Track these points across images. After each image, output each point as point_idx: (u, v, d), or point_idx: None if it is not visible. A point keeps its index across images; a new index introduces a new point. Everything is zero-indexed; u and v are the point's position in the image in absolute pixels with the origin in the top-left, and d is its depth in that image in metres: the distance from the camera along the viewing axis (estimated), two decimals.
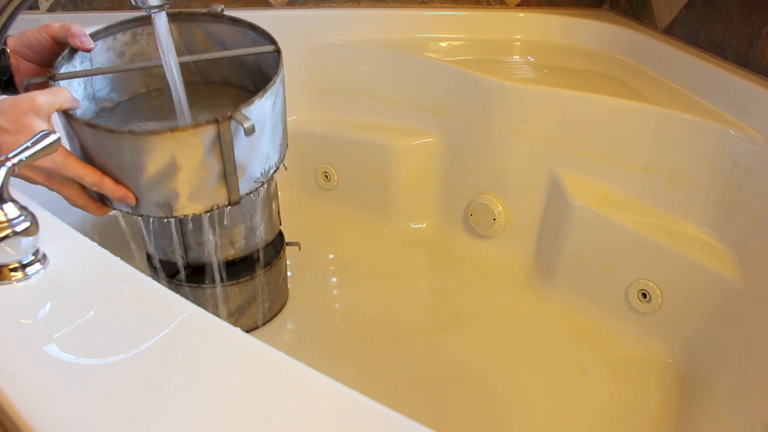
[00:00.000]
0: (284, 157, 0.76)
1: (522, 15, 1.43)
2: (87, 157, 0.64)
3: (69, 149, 0.64)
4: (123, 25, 0.77)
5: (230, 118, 0.61)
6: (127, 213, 0.67)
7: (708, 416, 0.80)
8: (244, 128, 0.61)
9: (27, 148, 0.46)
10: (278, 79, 0.69)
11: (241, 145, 0.65)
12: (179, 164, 0.62)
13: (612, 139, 1.04)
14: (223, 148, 0.62)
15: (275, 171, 0.73)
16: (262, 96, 0.64)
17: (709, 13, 1.11)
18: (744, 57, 1.01)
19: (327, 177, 1.38)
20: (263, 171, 0.71)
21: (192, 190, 0.64)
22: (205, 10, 0.79)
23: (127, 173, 0.63)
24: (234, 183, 0.66)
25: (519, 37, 1.42)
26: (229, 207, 0.68)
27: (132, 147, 0.60)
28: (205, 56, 0.76)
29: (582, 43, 1.39)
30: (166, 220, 0.90)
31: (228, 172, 0.65)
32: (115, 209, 0.68)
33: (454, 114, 1.24)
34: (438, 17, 1.42)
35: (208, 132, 0.61)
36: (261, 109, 0.65)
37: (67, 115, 0.61)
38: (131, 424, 0.33)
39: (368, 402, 0.35)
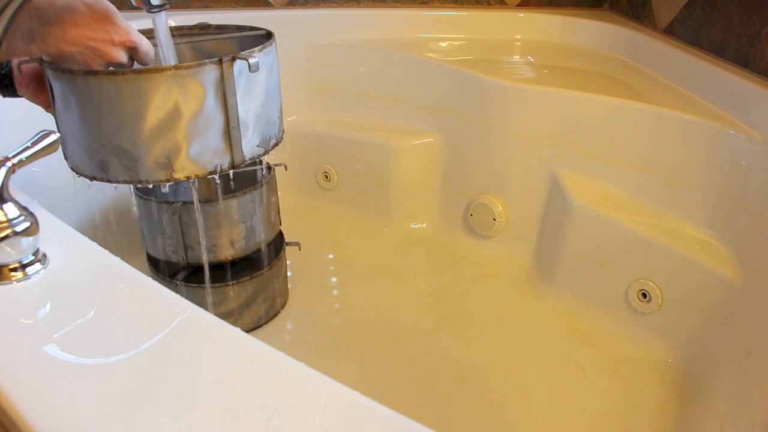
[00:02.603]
0: (281, 138, 0.76)
1: (522, 15, 1.43)
2: (85, 115, 0.63)
3: (64, 114, 0.63)
4: None
5: (233, 59, 0.62)
6: (125, 182, 0.65)
7: (708, 416, 0.80)
8: (249, 63, 0.63)
9: (27, 148, 0.46)
10: (273, 45, 0.70)
11: (243, 96, 0.65)
12: (182, 110, 0.62)
13: (612, 139, 1.04)
14: (226, 92, 0.63)
15: (275, 145, 0.74)
16: (261, 50, 0.66)
17: (709, 13, 1.11)
18: (744, 57, 1.01)
19: (327, 177, 1.38)
20: (264, 137, 0.71)
21: (194, 143, 0.64)
22: (192, 24, 0.80)
23: (128, 125, 0.62)
24: (237, 139, 0.66)
25: (519, 37, 1.42)
26: (232, 170, 0.68)
27: (134, 90, 0.60)
28: (199, 38, 0.77)
29: (582, 43, 1.39)
30: (166, 212, 0.90)
31: (231, 124, 0.65)
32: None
33: (454, 114, 1.24)
34: (438, 17, 1.42)
35: (211, 72, 0.62)
36: (260, 62, 0.66)
37: (64, 69, 0.61)
38: (131, 424, 0.33)
39: (368, 402, 0.35)
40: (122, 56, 0.61)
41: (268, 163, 1.03)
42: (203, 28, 0.80)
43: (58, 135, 0.48)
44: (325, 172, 1.38)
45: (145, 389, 0.35)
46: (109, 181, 0.66)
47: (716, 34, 1.09)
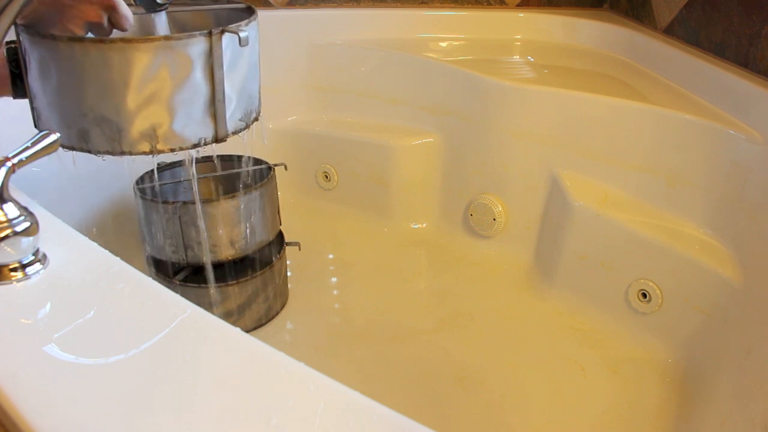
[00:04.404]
0: (259, 113, 0.77)
1: (522, 15, 1.43)
2: (66, 83, 0.61)
3: (40, 82, 0.62)
4: None
5: (222, 32, 0.62)
6: (107, 153, 0.64)
7: (708, 416, 0.80)
8: (240, 37, 0.63)
9: (27, 148, 0.46)
10: (256, 19, 0.70)
11: (229, 70, 0.65)
12: (169, 81, 0.62)
13: (612, 139, 1.04)
14: (214, 66, 0.63)
15: (254, 119, 0.74)
16: (248, 23, 0.66)
17: (709, 13, 1.11)
18: (744, 57, 1.01)
19: (327, 177, 1.38)
20: (246, 112, 0.71)
21: (179, 115, 0.64)
22: None
23: (113, 95, 0.61)
24: (222, 112, 0.66)
25: (519, 37, 1.42)
26: (215, 144, 0.67)
27: (122, 58, 0.59)
28: (179, 8, 0.77)
29: (582, 43, 1.39)
30: (166, 212, 0.90)
31: (217, 98, 0.65)
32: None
33: (454, 114, 1.24)
34: (438, 17, 1.42)
35: (200, 44, 0.62)
36: (245, 36, 0.66)
37: (46, 35, 0.59)
38: (131, 424, 0.33)
39: (368, 402, 0.35)
40: (100, 15, 0.60)
41: (268, 163, 1.03)
42: None
43: (59, 135, 0.48)
44: (325, 172, 1.38)
45: (145, 389, 0.35)
46: (89, 151, 0.65)
47: (716, 34, 1.09)
